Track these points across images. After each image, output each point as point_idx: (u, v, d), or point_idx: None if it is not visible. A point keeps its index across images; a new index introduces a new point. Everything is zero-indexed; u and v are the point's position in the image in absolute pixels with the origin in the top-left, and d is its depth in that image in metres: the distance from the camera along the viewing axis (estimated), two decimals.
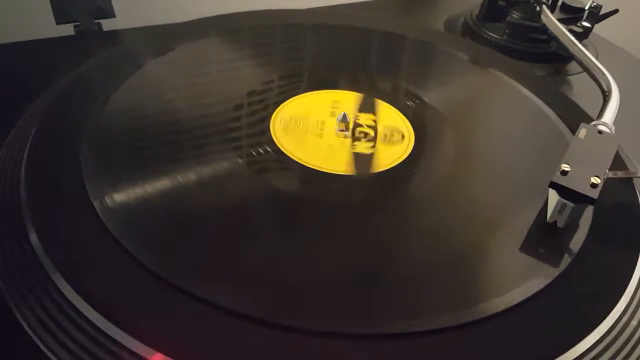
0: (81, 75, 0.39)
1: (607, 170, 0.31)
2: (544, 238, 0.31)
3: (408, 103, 0.41)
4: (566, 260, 0.29)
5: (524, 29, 0.53)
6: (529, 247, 0.30)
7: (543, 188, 0.31)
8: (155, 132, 0.36)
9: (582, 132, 0.33)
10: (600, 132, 0.34)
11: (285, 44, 0.48)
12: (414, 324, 0.25)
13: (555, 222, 0.31)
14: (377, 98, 0.41)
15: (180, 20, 0.47)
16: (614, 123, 0.36)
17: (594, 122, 0.35)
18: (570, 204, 0.30)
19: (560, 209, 0.30)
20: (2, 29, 0.51)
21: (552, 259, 0.29)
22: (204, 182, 0.32)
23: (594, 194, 0.29)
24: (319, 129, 0.37)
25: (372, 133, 0.37)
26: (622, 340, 0.26)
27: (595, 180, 0.30)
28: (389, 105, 0.40)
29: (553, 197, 0.30)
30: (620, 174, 0.32)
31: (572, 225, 0.31)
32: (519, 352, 0.25)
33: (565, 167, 0.30)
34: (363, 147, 0.36)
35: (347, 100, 0.41)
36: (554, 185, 0.30)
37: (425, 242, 0.31)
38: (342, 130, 0.37)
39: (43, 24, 0.48)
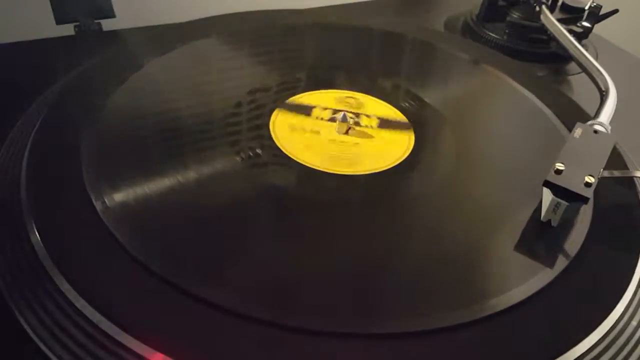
0: (81, 75, 0.39)
1: (602, 170, 0.31)
2: (545, 238, 0.31)
3: (408, 102, 0.41)
4: (566, 260, 0.29)
5: (524, 29, 0.53)
6: (529, 247, 0.30)
7: (541, 187, 0.31)
8: (156, 132, 0.36)
9: (578, 131, 0.33)
10: (596, 131, 0.34)
11: (285, 43, 0.48)
12: (413, 324, 0.25)
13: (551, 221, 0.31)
14: (377, 97, 0.41)
15: (180, 20, 0.47)
16: (612, 122, 0.36)
17: (590, 122, 0.35)
18: (564, 203, 0.30)
19: (554, 208, 0.30)
20: (2, 29, 0.51)
21: (553, 258, 0.29)
22: (204, 181, 0.32)
23: (588, 193, 0.29)
24: (318, 129, 0.37)
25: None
26: (622, 341, 0.26)
27: (589, 179, 0.30)
28: (388, 105, 0.40)
29: (547, 196, 0.30)
30: (616, 173, 0.32)
31: (572, 225, 0.31)
32: (518, 352, 0.25)
33: (560, 166, 0.30)
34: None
35: (347, 99, 0.41)
36: (547, 184, 0.30)
37: (424, 242, 0.31)
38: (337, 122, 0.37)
39: (43, 24, 0.48)
